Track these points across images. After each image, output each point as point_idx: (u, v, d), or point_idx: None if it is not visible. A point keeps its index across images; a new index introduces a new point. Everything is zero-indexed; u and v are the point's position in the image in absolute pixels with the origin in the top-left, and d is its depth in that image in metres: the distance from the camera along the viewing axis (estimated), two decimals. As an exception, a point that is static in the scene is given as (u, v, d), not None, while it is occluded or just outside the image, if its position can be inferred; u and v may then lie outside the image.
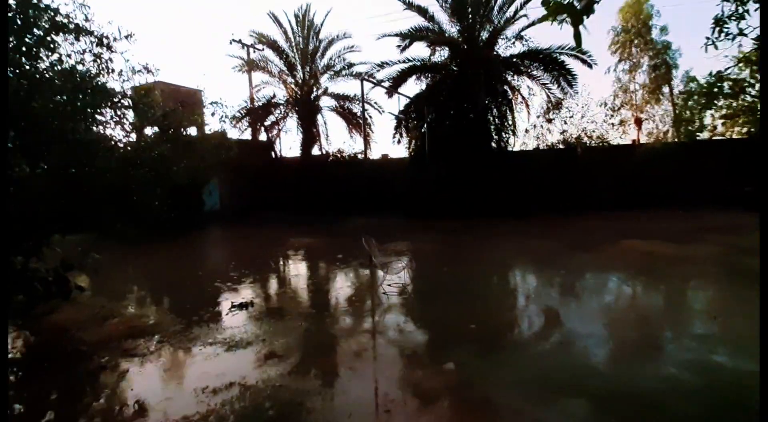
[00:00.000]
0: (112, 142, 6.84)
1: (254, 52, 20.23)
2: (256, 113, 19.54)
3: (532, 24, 15.20)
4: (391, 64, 15.99)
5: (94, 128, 6.54)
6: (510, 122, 16.06)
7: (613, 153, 15.18)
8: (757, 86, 13.34)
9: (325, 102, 20.17)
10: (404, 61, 15.89)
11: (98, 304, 6.59)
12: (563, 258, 8.38)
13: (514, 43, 15.52)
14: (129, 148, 9.04)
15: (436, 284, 7.22)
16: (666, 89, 15.54)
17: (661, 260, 7.87)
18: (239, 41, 20.06)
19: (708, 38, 3.83)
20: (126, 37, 5.69)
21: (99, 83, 5.70)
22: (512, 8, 15.06)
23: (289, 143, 31.24)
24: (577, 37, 2.00)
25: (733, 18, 3.44)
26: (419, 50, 30.32)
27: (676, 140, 14.56)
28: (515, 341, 4.70)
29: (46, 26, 4.77)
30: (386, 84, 16.51)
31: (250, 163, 18.70)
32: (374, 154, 20.43)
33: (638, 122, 16.19)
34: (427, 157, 15.95)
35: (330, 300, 6.48)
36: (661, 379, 3.51)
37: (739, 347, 4.10)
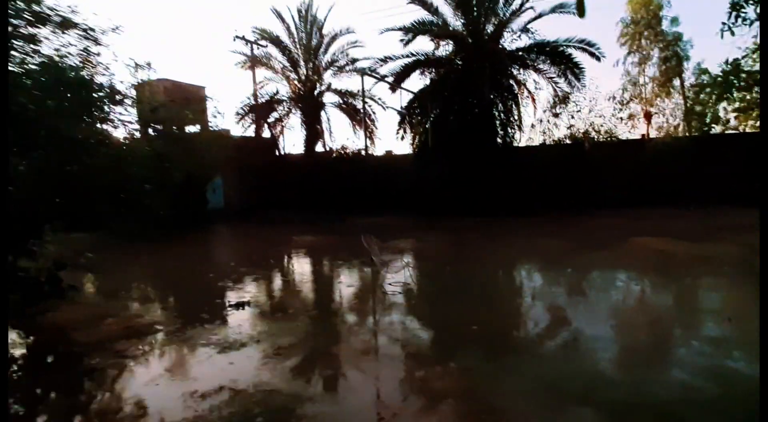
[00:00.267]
0: (103, 138, 6.73)
1: (257, 48, 20.11)
2: (260, 110, 19.43)
3: (539, 16, 14.88)
4: (395, 58, 15.76)
5: (83, 124, 6.43)
6: (516, 117, 15.75)
7: (622, 148, 14.82)
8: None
9: (329, 98, 20.01)
10: (408, 56, 15.65)
11: (96, 304, 6.52)
12: (571, 257, 8.15)
13: (519, 36, 15.22)
14: (124, 146, 8.95)
15: (439, 283, 7.04)
16: (677, 82, 15.16)
17: (674, 259, 7.60)
18: (242, 38, 19.93)
19: (724, 24, 3.60)
20: (113, 29, 5.53)
21: (85, 78, 5.56)
22: (518, 0, 14.76)
23: (292, 140, 31.13)
24: (580, 5, 1.81)
25: (751, 2, 3.20)
26: (423, 45, 30.02)
27: (687, 134, 14.15)
28: (520, 344, 4.51)
29: (29, 18, 4.63)
30: (389, 79, 16.28)
31: (254, 161, 18.64)
32: (378, 150, 20.26)
33: (648, 116, 15.79)
34: (432, 154, 15.72)
35: (329, 301, 6.33)
36: (676, 387, 3.30)
37: (755, 351, 3.86)
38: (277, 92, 19.44)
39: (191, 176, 15.98)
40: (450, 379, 3.61)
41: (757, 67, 13.05)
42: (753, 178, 12.64)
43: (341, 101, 19.77)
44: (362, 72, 18.72)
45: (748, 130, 14.10)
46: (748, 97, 13.81)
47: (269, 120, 19.64)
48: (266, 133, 20.00)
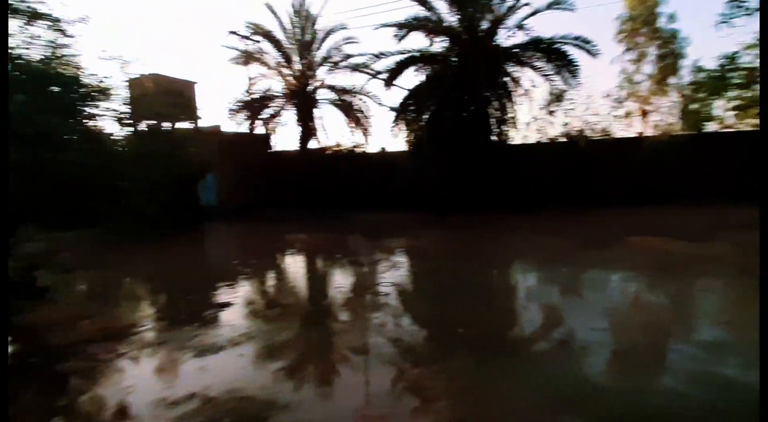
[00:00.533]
0: (90, 135, 6.54)
1: (251, 43, 19.84)
2: (253, 106, 19.19)
3: (534, 13, 14.67)
4: (389, 55, 15.53)
5: (70, 120, 6.22)
6: (511, 115, 15.58)
7: (618, 146, 14.67)
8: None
9: (323, 94, 19.77)
10: (402, 52, 15.43)
11: (76, 304, 6.33)
12: (567, 256, 8.00)
13: (515, 32, 14.99)
14: (115, 143, 8.74)
15: (431, 283, 6.88)
16: (673, 80, 15.03)
17: (672, 258, 7.45)
18: (236, 33, 19.67)
19: (724, 14, 3.44)
20: (80, 20, 5.30)
21: (68, 75, 5.36)
22: (514, -4, 14.54)
23: (286, 136, 30.80)
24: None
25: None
26: (418, 41, 29.61)
27: (683, 133, 14.01)
28: (509, 348, 4.33)
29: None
30: (384, 75, 16.07)
31: (248, 157, 18.43)
32: (373, 147, 20.06)
33: (644, 114, 15.65)
34: (427, 151, 15.54)
35: (316, 303, 6.15)
36: (670, 395, 3.14)
37: (749, 356, 3.71)
38: (270, 88, 19.20)
39: (182, 173, 15.80)
40: (433, 385, 3.44)
41: (756, 63, 12.98)
42: (750, 176, 12.60)
43: (336, 97, 19.54)
44: (356, 68, 18.52)
45: (745, 128, 13.97)
46: (746, 95, 13.70)
47: (263, 116, 19.38)
48: (260, 130, 19.77)
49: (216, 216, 16.98)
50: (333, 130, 26.66)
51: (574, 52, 14.35)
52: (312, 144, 19.92)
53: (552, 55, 14.62)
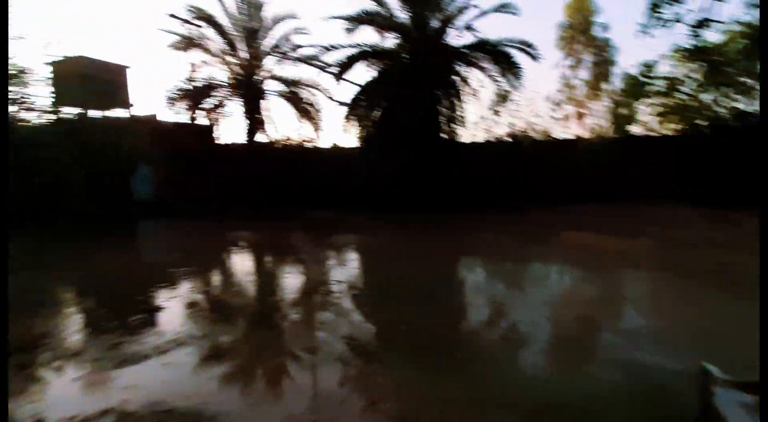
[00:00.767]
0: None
1: (193, 28, 18.63)
2: (195, 95, 18.06)
3: (482, 14, 15.09)
4: (340, 47, 15.30)
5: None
6: (460, 114, 15.94)
7: (558, 147, 15.53)
8: (690, 84, 14.14)
9: (272, 86, 19.05)
10: (353, 46, 15.26)
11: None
12: (508, 253, 8.33)
13: (464, 33, 15.34)
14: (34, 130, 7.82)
15: (374, 281, 6.84)
16: (606, 85, 16.16)
17: (600, 253, 7.99)
18: (176, 16, 18.37)
19: (642, 24, 3.67)
20: None
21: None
22: (463, -3, 14.84)
23: (232, 128, 29.30)
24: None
25: (669, 2, 3.26)
26: (369, 36, 29.46)
27: (613, 136, 15.12)
28: (448, 344, 4.37)
29: None
30: (335, 69, 15.80)
31: (189, 149, 17.33)
32: (325, 142, 19.71)
33: (580, 117, 16.70)
34: (378, 148, 15.51)
35: (253, 306, 5.85)
36: (592, 384, 3.30)
37: (666, 343, 4.03)
38: (214, 76, 18.16)
39: (113, 165, 14.57)
40: (370, 384, 3.38)
41: (678, 72, 14.21)
42: (672, 177, 13.88)
43: (285, 89, 18.92)
44: (306, 60, 18.04)
45: (668, 133, 15.32)
46: (668, 102, 15.01)
47: (205, 106, 18.30)
48: (202, 120, 18.67)
49: (152, 212, 15.83)
50: (282, 124, 25.87)
51: (518, 56, 14.98)
52: (260, 137, 19.19)
53: (498, 57, 15.13)
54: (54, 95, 15.03)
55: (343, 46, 15.37)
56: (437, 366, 3.68)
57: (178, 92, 17.56)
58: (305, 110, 18.99)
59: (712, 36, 12.96)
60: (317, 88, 18.53)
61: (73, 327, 5.02)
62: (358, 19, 14.84)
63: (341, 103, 15.84)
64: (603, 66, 16.11)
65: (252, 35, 18.16)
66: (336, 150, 18.81)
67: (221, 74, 18.52)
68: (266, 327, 4.81)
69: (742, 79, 13.47)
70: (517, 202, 14.60)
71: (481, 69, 15.57)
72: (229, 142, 19.45)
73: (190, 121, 18.19)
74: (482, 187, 15.28)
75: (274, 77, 18.71)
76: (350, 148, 17.55)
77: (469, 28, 15.30)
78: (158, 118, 17.76)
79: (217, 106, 18.52)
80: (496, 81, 15.38)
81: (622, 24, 31.50)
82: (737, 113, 13.63)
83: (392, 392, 3.30)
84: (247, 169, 17.93)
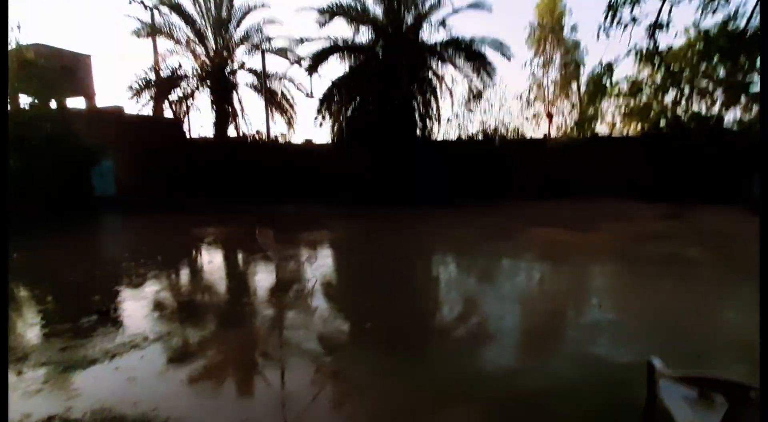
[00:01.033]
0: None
1: (159, 15, 17.89)
2: (161, 86, 17.37)
3: (456, 11, 15.19)
4: (312, 40, 15.06)
5: None
6: (434, 110, 16.03)
7: (528, 145, 15.88)
8: (652, 86, 14.71)
9: (243, 78, 18.62)
10: (326, 39, 15.04)
11: None
12: (475, 247, 8.42)
13: (438, 29, 15.40)
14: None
15: (341, 276, 6.77)
16: (574, 86, 16.62)
17: (563, 247, 8.20)
18: (140, 2, 17.60)
19: (600, 26, 3.74)
20: None
21: None
22: (437, -7, 14.87)
23: (200, 122, 28.22)
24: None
25: (628, 3, 3.33)
26: (343, 30, 29.17)
27: (579, 135, 15.59)
28: (413, 339, 4.36)
29: None
30: (307, 62, 15.55)
31: (154, 143, 16.67)
32: (297, 137, 19.42)
33: (549, 116, 17.11)
34: (351, 143, 15.40)
35: (212, 303, 5.64)
36: (547, 377, 3.37)
37: (620, 336, 4.16)
38: (180, 66, 17.49)
39: (71, 159, 13.79)
40: (336, 383, 3.33)
41: (642, 75, 14.76)
42: (633, 175, 14.47)
43: (257, 82, 18.48)
44: (279, 52, 17.68)
45: (631, 133, 15.93)
46: (632, 104, 15.58)
47: (172, 98, 17.65)
48: (168, 113, 18.00)
49: (114, 208, 15.14)
50: (254, 118, 25.23)
51: (491, 54, 15.18)
52: (231, 131, 18.71)
53: (471, 54, 15.28)
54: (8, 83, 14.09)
55: (316, 39, 15.17)
56: (403, 360, 3.66)
57: (141, 82, 16.83)
58: (278, 104, 18.65)
59: (677, 41, 13.59)
60: (290, 81, 18.23)
61: (18, 329, 4.72)
62: (331, 12, 14.63)
63: (309, 95, 15.58)
64: (572, 66, 16.53)
65: (222, 25, 17.63)
66: (309, 145, 18.56)
67: (188, 64, 17.93)
68: (225, 328, 4.66)
69: (703, 83, 14.15)
70: (488, 197, 14.85)
71: (455, 66, 15.70)
72: (199, 135, 18.88)
73: (154, 114, 17.50)
74: (452, 181, 15.46)
75: (245, 69, 18.26)
76: (324, 143, 17.35)
77: (443, 24, 15.39)
78: (125, 110, 16.98)
79: (183, 98, 17.89)
80: (470, 79, 15.54)
81: (592, 26, 32.43)
82: (694, 116, 14.30)
83: (355, 388, 3.26)
84: (217, 163, 17.44)
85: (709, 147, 13.22)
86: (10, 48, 14.45)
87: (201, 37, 17.48)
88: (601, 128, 15.90)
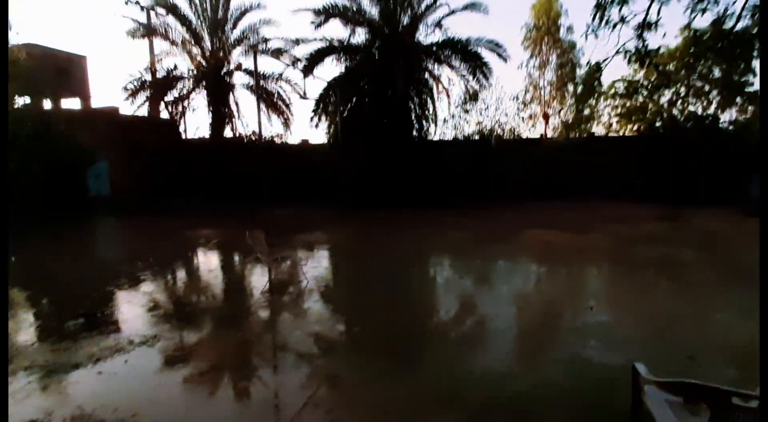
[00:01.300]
0: None
1: (155, 16, 17.83)
2: (156, 86, 17.29)
3: (452, 13, 15.14)
4: (308, 41, 15.01)
5: None
6: (431, 111, 15.98)
7: (524, 146, 15.84)
8: (645, 88, 14.71)
9: (240, 79, 18.51)
10: (321, 40, 15.00)
11: None
12: (471, 250, 8.39)
13: (434, 30, 15.37)
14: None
15: (335, 280, 6.72)
16: (570, 87, 16.61)
17: (557, 250, 8.16)
18: (136, 2, 17.55)
19: (588, 26, 3.72)
20: None
21: None
22: (433, -5, 14.85)
23: (196, 122, 27.94)
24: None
25: (616, 3, 3.31)
26: (339, 31, 29.09)
27: (576, 136, 15.58)
28: (396, 346, 4.31)
29: None
30: (303, 63, 15.49)
31: (150, 143, 16.60)
32: (294, 138, 19.35)
33: (546, 117, 17.10)
34: (347, 144, 15.35)
35: (200, 307, 5.57)
36: (535, 380, 3.32)
37: (610, 340, 4.12)
38: (176, 67, 17.39)
39: (66, 159, 13.74)
40: (323, 388, 3.29)
41: (638, 76, 14.77)
42: (630, 175, 14.46)
43: (253, 83, 18.39)
44: (276, 53, 17.62)
45: (627, 133, 15.92)
46: (628, 104, 15.59)
47: (167, 99, 17.57)
48: (164, 113, 17.92)
49: (109, 209, 15.08)
50: (250, 118, 25.14)
51: (487, 55, 15.13)
52: (227, 132, 18.61)
53: (467, 55, 15.23)
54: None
55: (312, 40, 15.13)
56: (392, 366, 3.62)
57: (137, 83, 16.75)
58: (275, 105, 18.57)
59: (669, 41, 13.61)
60: (287, 82, 18.16)
61: (11, 333, 4.66)
62: (327, 13, 14.58)
63: (303, 97, 15.53)
64: (568, 67, 16.53)
65: (218, 26, 17.57)
66: (305, 146, 18.51)
67: (184, 65, 17.87)
68: (212, 332, 4.61)
69: (699, 84, 14.16)
70: (484, 198, 14.82)
71: (451, 67, 15.65)
72: (195, 136, 18.79)
73: (150, 114, 17.43)
74: (449, 182, 15.42)
75: (241, 70, 18.17)
76: (320, 144, 17.30)
77: (439, 25, 15.35)
78: (121, 111, 16.91)
79: (179, 99, 17.81)
80: (466, 79, 15.50)
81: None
82: (691, 116, 14.30)
83: (342, 393, 3.22)
84: (212, 164, 17.37)
85: (705, 146, 13.22)
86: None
87: (197, 38, 17.41)
88: (598, 129, 15.90)
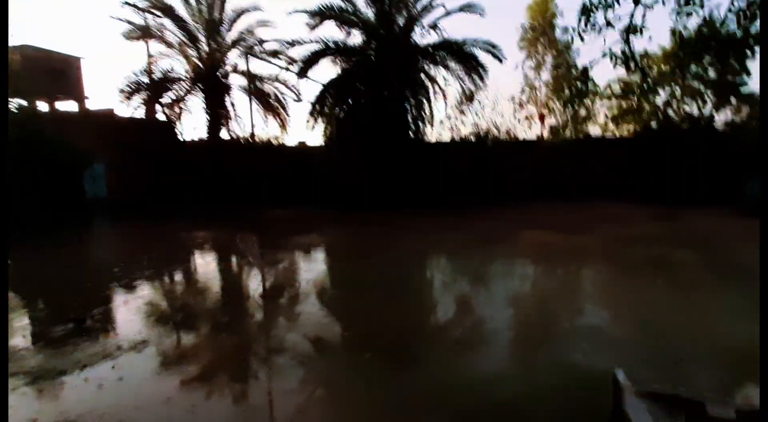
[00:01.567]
0: None
1: (151, 18, 17.79)
2: (153, 88, 17.26)
3: (448, 14, 15.13)
4: (303, 43, 14.99)
5: None
6: (427, 112, 15.97)
7: (521, 147, 15.81)
8: (638, 89, 14.72)
9: (236, 81, 18.50)
10: (317, 42, 14.97)
11: None
12: (466, 251, 8.37)
13: (429, 32, 15.35)
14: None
15: (327, 283, 6.71)
16: (566, 88, 16.59)
17: (553, 251, 8.16)
18: (133, 5, 17.51)
19: (573, 29, 3.70)
20: None
21: None
22: (428, -4, 14.84)
23: (193, 124, 27.79)
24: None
25: (601, 7, 3.30)
26: (335, 32, 29.09)
27: (572, 136, 15.58)
28: (388, 348, 4.31)
29: None
30: (299, 65, 15.49)
31: (146, 146, 16.57)
32: (291, 140, 19.35)
33: (542, 118, 17.08)
34: (344, 146, 15.34)
35: (190, 312, 5.52)
36: (521, 385, 3.32)
37: (600, 343, 4.11)
38: (172, 69, 17.36)
39: (62, 161, 13.71)
40: (312, 394, 3.28)
41: (635, 76, 14.78)
42: (626, 176, 14.47)
43: (250, 85, 18.37)
44: (272, 54, 17.63)
45: (623, 134, 15.92)
46: (624, 105, 15.59)
47: (164, 100, 17.53)
48: (161, 115, 17.88)
49: (105, 211, 15.06)
50: (247, 120, 25.09)
51: (482, 56, 15.13)
52: (224, 134, 18.58)
53: (463, 56, 15.23)
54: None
55: (308, 42, 15.10)
56: (378, 371, 3.62)
57: (133, 85, 16.71)
58: (271, 107, 18.56)
59: (658, 44, 13.63)
60: (283, 84, 18.15)
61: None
62: (322, 14, 14.57)
63: (297, 99, 15.52)
64: (563, 68, 16.52)
65: (214, 27, 17.54)
66: (302, 148, 18.48)
67: (180, 67, 17.82)
68: (201, 337, 4.60)
69: (695, 84, 14.17)
70: (480, 198, 14.80)
71: (447, 68, 15.65)
72: (192, 138, 18.75)
73: (148, 116, 17.40)
74: (445, 183, 15.40)
75: (238, 71, 18.15)
76: (317, 146, 17.28)
77: (434, 26, 15.34)
78: (117, 112, 16.88)
79: (176, 101, 17.78)
80: (462, 80, 15.49)
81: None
82: (686, 116, 14.30)
83: (331, 397, 3.21)
84: (209, 166, 17.34)
85: (703, 146, 13.22)
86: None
87: (193, 40, 17.38)
88: (593, 129, 15.90)
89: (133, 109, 16.93)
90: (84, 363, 3.82)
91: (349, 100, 15.63)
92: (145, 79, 17.25)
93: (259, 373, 3.81)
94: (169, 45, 17.35)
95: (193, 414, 3.09)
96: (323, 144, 16.32)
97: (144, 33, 17.07)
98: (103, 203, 15.46)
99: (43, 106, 15.67)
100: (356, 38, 15.52)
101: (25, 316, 5.39)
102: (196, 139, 18.53)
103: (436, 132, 16.37)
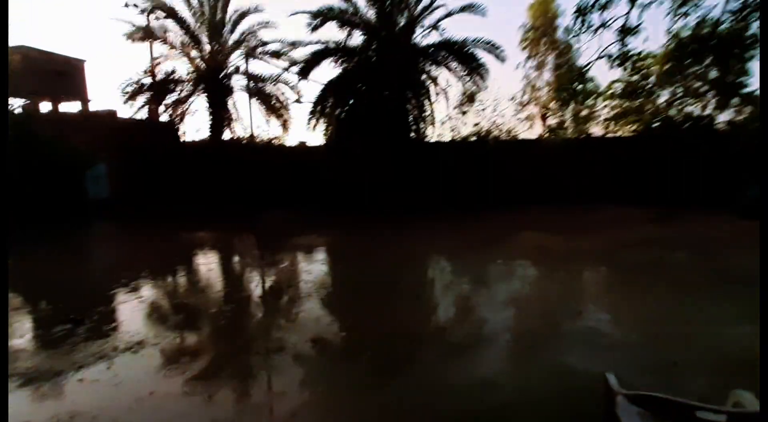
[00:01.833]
0: None
1: (154, 19, 17.87)
2: (155, 89, 17.33)
3: (449, 14, 15.09)
4: (304, 44, 15.01)
5: None
6: (428, 113, 15.93)
7: (522, 147, 15.73)
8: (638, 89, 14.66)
9: (238, 82, 18.53)
10: (318, 42, 14.99)
11: None
12: (464, 254, 8.34)
13: (430, 32, 15.33)
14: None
15: (323, 284, 6.69)
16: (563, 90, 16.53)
17: (549, 253, 8.13)
18: (135, 5, 17.59)
19: (569, 29, 3.68)
20: None
21: None
22: (429, -4, 14.82)
23: (196, 125, 27.81)
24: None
25: (597, 8, 3.28)
26: (335, 33, 29.09)
27: (573, 137, 15.50)
28: (382, 351, 4.30)
29: None
30: (300, 65, 15.51)
31: (151, 147, 16.64)
32: (292, 140, 19.36)
33: (543, 118, 17.03)
34: (345, 147, 15.34)
35: (188, 313, 5.52)
36: (515, 390, 3.30)
37: (596, 345, 4.09)
38: (174, 70, 17.42)
39: (64, 162, 13.80)
40: (301, 398, 3.28)
41: (636, 77, 14.73)
42: (627, 177, 14.38)
43: (252, 85, 18.41)
44: (274, 55, 17.66)
45: (625, 134, 15.83)
46: (625, 104, 15.52)
47: (167, 101, 17.60)
48: (163, 117, 17.96)
49: (107, 212, 15.13)
50: (249, 121, 25.16)
51: (484, 56, 15.09)
52: (226, 135, 18.63)
53: (464, 57, 15.19)
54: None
55: (309, 43, 15.13)
56: (370, 375, 3.61)
57: (135, 86, 16.78)
58: (273, 107, 18.58)
59: (654, 44, 13.56)
60: (285, 84, 18.17)
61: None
62: (322, 15, 14.58)
63: (298, 101, 15.54)
64: (565, 68, 16.47)
65: (216, 29, 17.60)
66: (303, 148, 18.49)
67: (183, 68, 17.89)
68: (199, 338, 4.61)
69: (696, 84, 14.09)
70: (481, 200, 14.76)
71: (448, 68, 15.62)
72: (194, 139, 18.80)
73: (150, 117, 17.48)
74: (446, 184, 15.37)
75: (240, 72, 18.20)
76: (318, 146, 17.28)
77: (435, 27, 15.32)
78: (119, 114, 16.95)
79: (179, 102, 17.84)
80: (463, 80, 15.46)
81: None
82: (687, 116, 14.21)
83: (321, 402, 3.21)
84: (211, 167, 17.38)
85: (703, 147, 13.13)
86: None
87: (196, 41, 17.44)
88: (596, 129, 15.82)
89: (136, 109, 17.03)
90: (80, 363, 3.83)
91: (350, 101, 15.64)
92: (148, 81, 17.35)
93: (252, 376, 3.81)
94: (172, 46, 17.42)
95: (189, 415, 3.10)
96: (324, 144, 16.33)
97: (146, 34, 17.15)
98: (105, 204, 15.53)
99: (46, 108, 15.74)
100: (357, 39, 15.54)
101: (24, 316, 5.42)
102: (198, 139, 18.59)
103: (438, 132, 16.35)
